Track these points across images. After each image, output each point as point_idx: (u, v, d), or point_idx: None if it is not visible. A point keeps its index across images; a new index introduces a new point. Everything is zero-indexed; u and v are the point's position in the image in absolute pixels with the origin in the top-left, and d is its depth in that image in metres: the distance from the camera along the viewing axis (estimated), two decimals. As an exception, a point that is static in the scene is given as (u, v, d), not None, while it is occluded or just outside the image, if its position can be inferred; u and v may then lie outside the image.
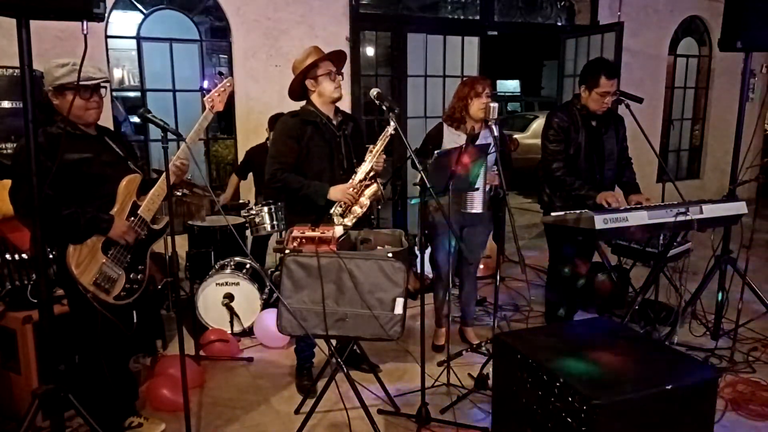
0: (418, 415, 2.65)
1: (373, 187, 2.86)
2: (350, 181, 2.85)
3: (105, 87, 2.41)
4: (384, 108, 2.69)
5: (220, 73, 2.80)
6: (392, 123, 2.76)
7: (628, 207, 3.03)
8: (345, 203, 2.82)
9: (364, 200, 2.87)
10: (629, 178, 3.42)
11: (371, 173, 2.86)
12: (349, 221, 2.84)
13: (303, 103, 2.96)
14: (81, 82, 2.25)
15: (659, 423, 1.93)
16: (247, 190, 4.86)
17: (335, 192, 2.81)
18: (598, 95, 3.16)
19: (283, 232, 3.62)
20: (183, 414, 2.36)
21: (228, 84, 2.62)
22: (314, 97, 2.90)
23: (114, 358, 2.55)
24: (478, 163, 2.99)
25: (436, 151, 2.88)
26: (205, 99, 2.60)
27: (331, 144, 2.89)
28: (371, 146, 2.89)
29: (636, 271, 4.07)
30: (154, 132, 4.54)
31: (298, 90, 2.94)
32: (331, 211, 2.83)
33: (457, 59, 5.81)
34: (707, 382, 2.03)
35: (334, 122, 2.92)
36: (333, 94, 2.87)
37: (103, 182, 2.38)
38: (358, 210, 2.86)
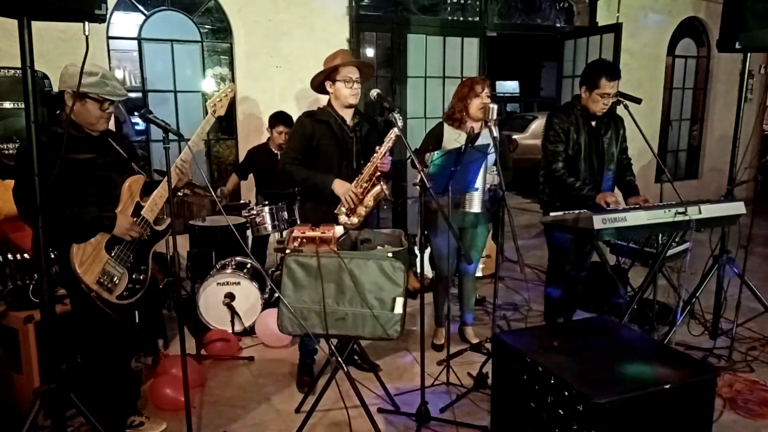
0: (418, 414, 2.66)
1: (377, 188, 2.89)
2: (355, 181, 2.88)
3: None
4: (385, 108, 2.73)
5: (223, 79, 2.84)
6: (399, 123, 2.80)
7: (627, 207, 3.04)
8: (347, 202, 2.85)
9: (369, 201, 2.90)
10: (629, 179, 3.43)
11: (376, 174, 2.89)
12: (356, 219, 2.89)
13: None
14: (107, 96, 2.35)
15: (658, 422, 1.94)
16: (248, 190, 4.87)
17: (339, 187, 2.87)
18: (599, 96, 3.17)
19: (284, 232, 3.64)
20: (184, 413, 2.37)
21: (230, 90, 2.65)
22: (332, 98, 3.00)
23: (115, 358, 2.56)
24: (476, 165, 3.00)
25: (435, 152, 2.89)
26: (207, 103, 2.62)
27: (341, 144, 2.95)
28: (377, 147, 2.92)
29: (634, 271, 4.09)
30: (156, 132, 4.57)
31: (318, 86, 3.02)
32: (336, 211, 2.87)
33: (456, 60, 5.83)
34: (705, 382, 2.05)
35: (349, 124, 2.98)
36: (347, 99, 2.94)
37: (106, 183, 2.40)
38: (362, 211, 2.90)
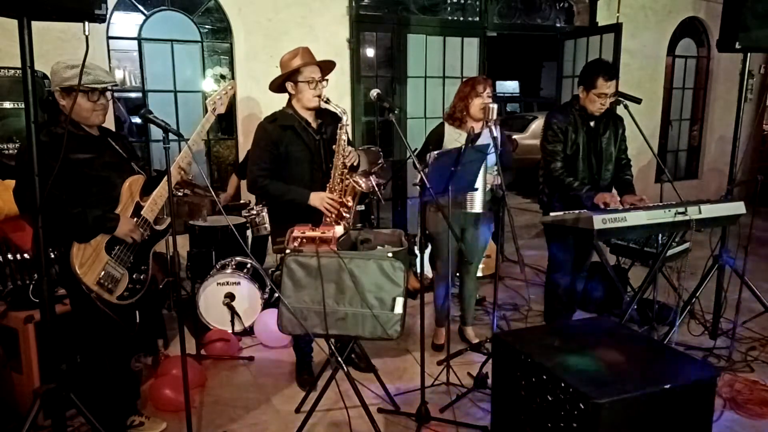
0: (418, 414, 2.66)
1: (351, 185, 2.88)
2: (328, 187, 2.86)
3: (112, 90, 2.44)
4: (385, 108, 2.72)
5: (223, 77, 2.83)
6: (344, 117, 2.81)
7: (626, 207, 3.04)
8: (329, 211, 2.83)
9: (348, 201, 2.89)
10: (625, 178, 3.43)
11: (345, 172, 2.88)
12: (345, 223, 2.87)
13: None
14: (91, 85, 2.30)
15: (658, 422, 1.94)
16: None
17: (315, 198, 2.83)
18: (596, 96, 3.18)
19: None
20: (184, 413, 2.37)
21: (230, 87, 2.65)
22: (293, 100, 2.91)
23: (115, 358, 2.56)
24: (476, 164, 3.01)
25: (435, 151, 2.89)
26: (207, 101, 2.62)
27: (310, 148, 2.89)
28: (333, 146, 2.88)
29: (635, 271, 4.08)
30: (156, 132, 4.56)
31: (277, 88, 2.94)
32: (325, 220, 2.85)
33: (456, 60, 5.83)
34: (705, 382, 2.04)
35: (314, 126, 2.92)
36: (309, 102, 2.85)
37: (106, 183, 2.40)
38: (346, 212, 2.89)
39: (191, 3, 4.89)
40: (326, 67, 2.92)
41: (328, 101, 2.84)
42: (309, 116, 2.91)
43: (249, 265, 3.92)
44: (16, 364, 2.75)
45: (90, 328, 2.45)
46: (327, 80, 2.92)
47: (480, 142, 3.14)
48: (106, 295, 2.36)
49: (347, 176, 2.88)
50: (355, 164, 2.92)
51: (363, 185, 2.89)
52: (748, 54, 3.49)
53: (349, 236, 2.72)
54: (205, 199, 4.14)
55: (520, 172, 3.64)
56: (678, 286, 3.49)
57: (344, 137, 2.85)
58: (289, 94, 2.91)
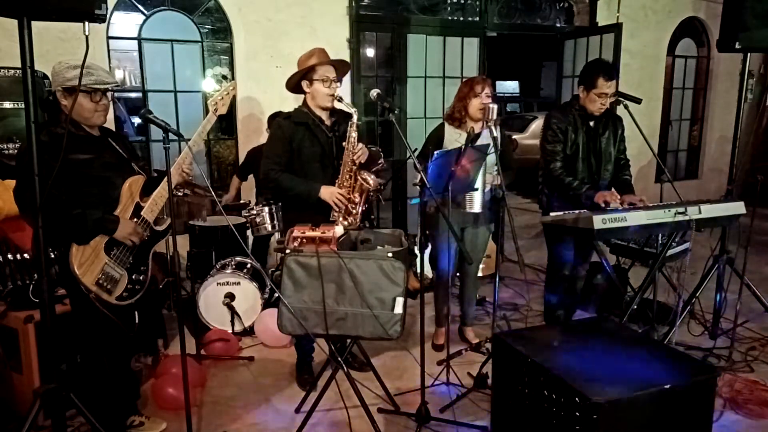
0: (418, 414, 2.66)
1: (359, 182, 2.92)
2: (336, 183, 2.89)
3: (113, 90, 2.45)
4: (385, 108, 2.74)
5: (224, 77, 2.84)
6: (355, 116, 2.86)
7: (626, 207, 3.04)
8: (338, 206, 2.85)
9: (356, 197, 2.92)
10: (624, 178, 3.43)
11: (354, 169, 2.91)
12: (352, 218, 2.89)
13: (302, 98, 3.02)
14: (93, 86, 2.31)
15: (658, 422, 1.94)
16: (248, 190, 4.88)
17: (325, 192, 2.86)
18: (596, 96, 3.18)
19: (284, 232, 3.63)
20: (184, 413, 2.37)
21: (231, 88, 2.65)
22: (308, 98, 2.96)
23: (115, 358, 2.56)
24: (477, 164, 3.01)
25: (435, 152, 2.89)
26: (209, 102, 2.62)
27: (323, 145, 2.93)
28: (344, 143, 2.92)
29: (635, 271, 4.08)
30: (156, 132, 4.57)
31: (293, 86, 2.99)
32: (331, 218, 2.87)
33: (456, 60, 5.83)
34: (706, 382, 2.04)
35: (327, 123, 2.96)
36: (323, 101, 2.90)
37: (106, 183, 2.40)
38: (353, 209, 2.91)
39: (191, 3, 4.89)
40: (341, 67, 2.99)
41: (340, 100, 2.90)
42: (323, 115, 2.96)
43: (249, 265, 3.92)
44: (16, 364, 2.76)
45: (90, 328, 2.45)
46: (341, 81, 2.98)
47: (480, 142, 3.14)
48: (105, 296, 2.36)
49: (355, 173, 2.91)
50: (363, 161, 2.94)
51: (371, 182, 2.92)
52: (748, 54, 3.49)
53: (349, 236, 2.72)
54: (205, 199, 4.14)
55: (520, 172, 3.64)
56: (678, 286, 3.48)
57: (354, 134, 2.89)
58: (304, 92, 2.96)
